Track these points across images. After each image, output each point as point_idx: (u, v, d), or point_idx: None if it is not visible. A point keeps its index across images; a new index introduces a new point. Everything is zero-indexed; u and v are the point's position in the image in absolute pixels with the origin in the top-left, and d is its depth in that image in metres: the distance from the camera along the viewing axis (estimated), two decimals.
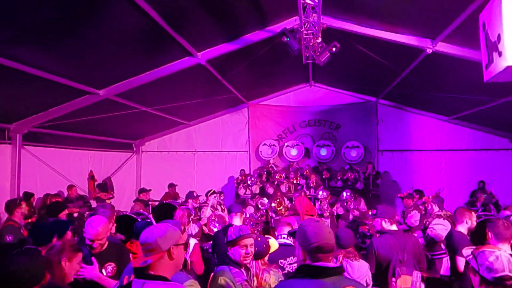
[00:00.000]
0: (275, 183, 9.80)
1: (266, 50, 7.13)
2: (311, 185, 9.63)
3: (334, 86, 11.02)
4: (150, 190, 8.61)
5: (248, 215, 7.87)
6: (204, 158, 11.46)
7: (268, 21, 6.22)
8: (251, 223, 7.25)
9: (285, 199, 9.07)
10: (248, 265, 2.83)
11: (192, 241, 4.01)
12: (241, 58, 7.31)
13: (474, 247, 2.38)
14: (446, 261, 4.71)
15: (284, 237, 3.83)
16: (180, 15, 5.06)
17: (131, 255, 3.49)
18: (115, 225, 3.82)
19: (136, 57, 5.98)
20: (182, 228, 3.34)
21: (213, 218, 5.94)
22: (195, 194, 7.66)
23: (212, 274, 2.78)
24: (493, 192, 9.14)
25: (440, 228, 5.07)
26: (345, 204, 8.22)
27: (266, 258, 3.14)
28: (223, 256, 2.85)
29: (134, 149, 11.24)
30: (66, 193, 7.75)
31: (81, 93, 6.37)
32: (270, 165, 10.63)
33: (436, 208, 5.40)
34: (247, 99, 10.90)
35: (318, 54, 6.09)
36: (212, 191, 7.75)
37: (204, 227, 6.10)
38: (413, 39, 5.97)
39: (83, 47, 5.01)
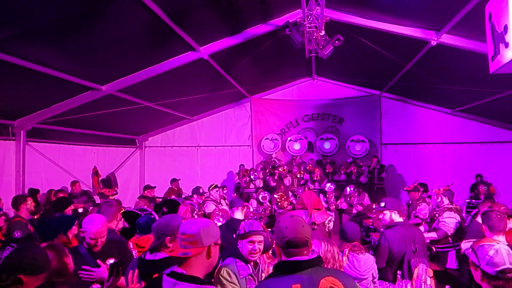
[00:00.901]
0: (276, 176, 9.73)
1: (269, 44, 7.09)
2: (315, 178, 9.63)
3: (337, 79, 10.96)
4: (155, 187, 8.61)
5: (252, 209, 7.89)
6: (207, 153, 11.49)
7: (270, 14, 6.16)
8: (255, 217, 7.26)
9: (289, 193, 9.07)
10: (257, 260, 2.83)
11: None
12: (243, 52, 7.27)
13: (473, 240, 2.37)
14: (452, 255, 4.72)
15: None
16: (182, 10, 5.02)
17: (135, 250, 3.51)
18: (122, 220, 3.82)
19: (138, 53, 5.96)
20: None
21: (217, 212, 5.96)
22: (201, 191, 7.67)
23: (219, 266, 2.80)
24: (495, 185, 9.08)
25: (451, 221, 5.09)
26: (348, 199, 8.21)
27: (270, 252, 3.16)
28: (232, 248, 2.87)
29: (138, 144, 11.28)
30: (69, 189, 7.80)
31: (84, 88, 6.38)
32: (273, 159, 10.62)
33: (446, 201, 5.39)
34: (250, 93, 10.89)
35: (321, 47, 6.04)
36: (214, 185, 7.77)
37: None
38: (418, 31, 5.90)
39: (86, 43, 4.99)
